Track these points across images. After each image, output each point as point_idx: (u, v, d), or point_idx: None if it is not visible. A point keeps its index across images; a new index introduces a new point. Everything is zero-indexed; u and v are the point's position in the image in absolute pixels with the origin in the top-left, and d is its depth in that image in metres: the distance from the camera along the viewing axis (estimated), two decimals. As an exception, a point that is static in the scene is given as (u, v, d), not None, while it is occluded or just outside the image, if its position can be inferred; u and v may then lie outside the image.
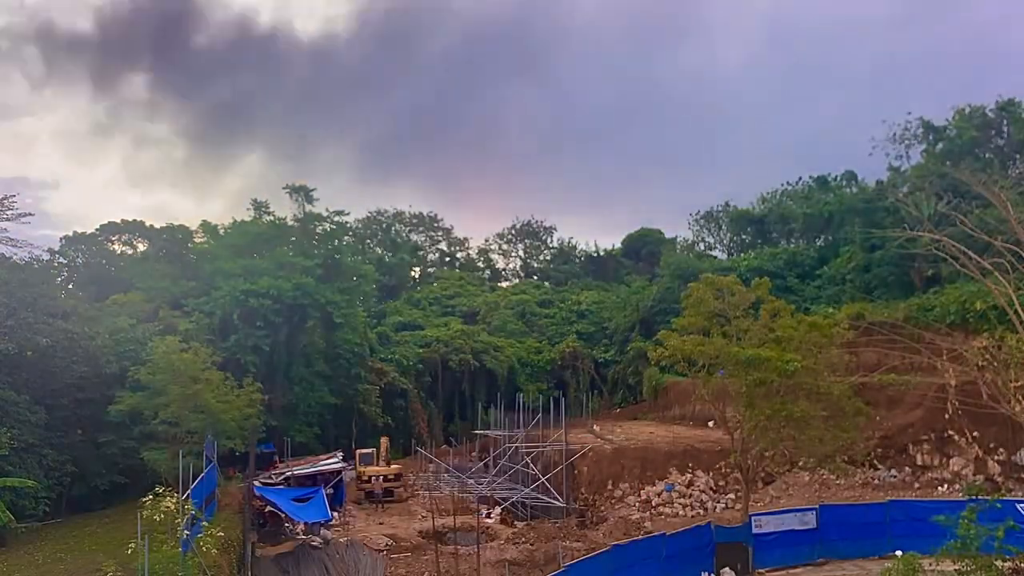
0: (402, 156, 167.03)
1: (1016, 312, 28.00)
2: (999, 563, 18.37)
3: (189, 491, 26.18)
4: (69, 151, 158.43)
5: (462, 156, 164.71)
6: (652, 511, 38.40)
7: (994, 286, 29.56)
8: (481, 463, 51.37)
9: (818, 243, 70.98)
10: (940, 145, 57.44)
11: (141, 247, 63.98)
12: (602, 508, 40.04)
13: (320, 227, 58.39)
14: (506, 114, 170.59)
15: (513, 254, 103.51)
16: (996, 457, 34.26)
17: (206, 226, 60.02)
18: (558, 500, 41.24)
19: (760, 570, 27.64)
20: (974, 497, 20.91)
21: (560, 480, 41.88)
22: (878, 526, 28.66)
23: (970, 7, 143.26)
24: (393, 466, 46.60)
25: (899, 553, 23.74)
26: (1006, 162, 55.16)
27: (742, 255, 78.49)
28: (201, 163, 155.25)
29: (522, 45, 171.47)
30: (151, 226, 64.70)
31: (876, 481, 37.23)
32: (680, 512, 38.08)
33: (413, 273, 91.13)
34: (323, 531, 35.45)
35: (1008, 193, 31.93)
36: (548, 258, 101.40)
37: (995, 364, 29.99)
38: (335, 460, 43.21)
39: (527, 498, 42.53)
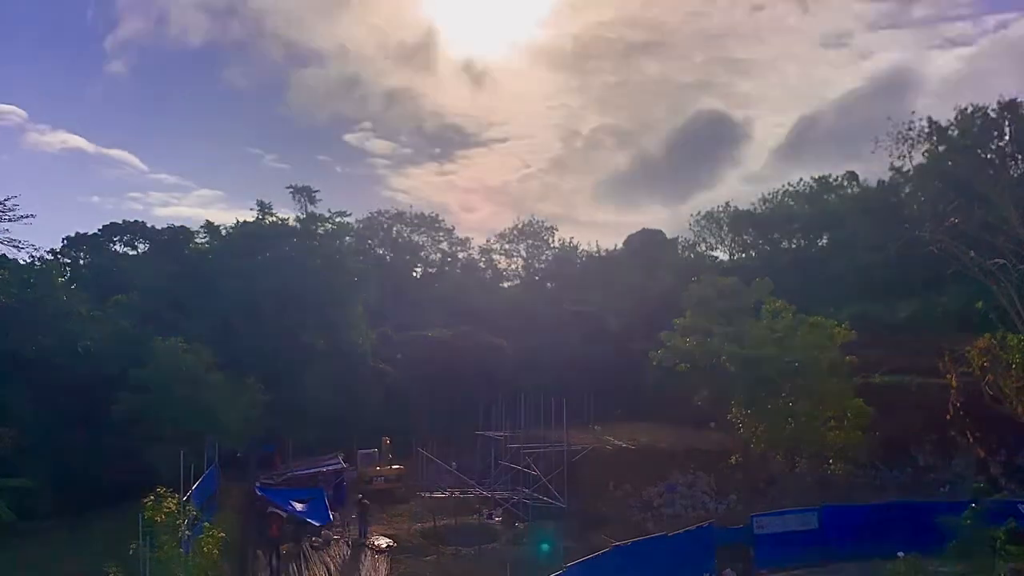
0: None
1: (1018, 312, 27.97)
2: (1001, 564, 18.36)
3: (190, 492, 26.19)
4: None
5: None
6: (653, 512, 38.34)
7: (996, 286, 29.54)
8: (482, 463, 51.27)
9: (820, 243, 70.78)
10: (942, 145, 57.27)
11: (142, 247, 64.03)
12: (603, 509, 39.97)
13: (322, 228, 58.33)
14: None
15: (515, 254, 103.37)
16: (998, 458, 34.20)
17: (208, 226, 59.99)
18: (559, 501, 41.17)
19: (761, 571, 27.62)
20: (976, 498, 20.89)
21: (561, 481, 41.82)
22: (880, 527, 28.57)
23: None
24: (394, 466, 46.57)
25: (901, 554, 23.72)
26: (1008, 162, 54.99)
27: (743, 255, 78.29)
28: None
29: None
30: (152, 227, 64.83)
31: (878, 482, 37.14)
32: (681, 513, 37.99)
33: (414, 273, 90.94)
34: (323, 531, 35.47)
35: (1010, 193, 31.87)
36: (549, 258, 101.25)
37: (997, 365, 29.98)
38: (336, 461, 43.22)
39: (528, 499, 42.46)
